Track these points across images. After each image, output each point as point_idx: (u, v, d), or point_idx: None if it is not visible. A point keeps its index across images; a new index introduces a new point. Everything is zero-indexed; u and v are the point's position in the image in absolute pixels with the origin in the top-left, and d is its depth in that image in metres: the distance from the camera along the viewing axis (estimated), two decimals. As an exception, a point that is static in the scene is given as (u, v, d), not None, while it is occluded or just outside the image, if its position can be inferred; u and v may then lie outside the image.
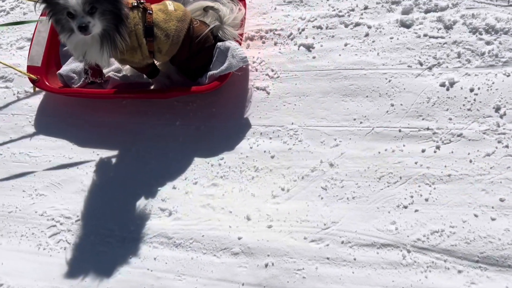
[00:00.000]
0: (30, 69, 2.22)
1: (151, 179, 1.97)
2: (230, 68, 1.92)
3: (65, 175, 2.06)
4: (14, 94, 2.35)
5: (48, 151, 2.16)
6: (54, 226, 1.95)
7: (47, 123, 2.23)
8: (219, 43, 1.97)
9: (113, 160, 2.05)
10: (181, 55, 1.95)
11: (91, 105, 2.20)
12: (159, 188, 1.94)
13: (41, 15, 2.29)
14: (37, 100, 2.30)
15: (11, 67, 2.30)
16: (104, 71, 2.19)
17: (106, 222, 1.90)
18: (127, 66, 2.15)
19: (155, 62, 2.01)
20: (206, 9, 1.99)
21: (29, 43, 2.31)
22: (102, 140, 2.11)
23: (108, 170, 2.03)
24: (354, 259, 1.63)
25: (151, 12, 1.83)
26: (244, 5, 2.08)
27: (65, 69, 2.24)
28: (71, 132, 2.17)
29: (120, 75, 2.19)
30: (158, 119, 2.11)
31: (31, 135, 2.23)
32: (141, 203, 1.92)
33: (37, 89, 2.29)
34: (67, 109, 2.23)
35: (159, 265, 1.78)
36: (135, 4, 1.81)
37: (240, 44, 2.01)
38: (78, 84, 2.20)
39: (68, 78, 2.21)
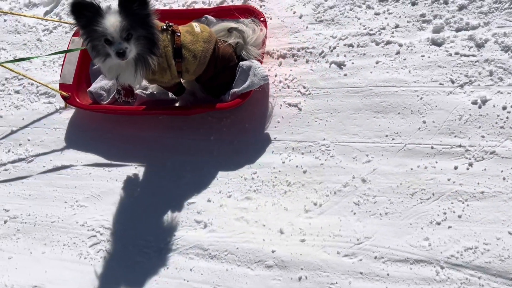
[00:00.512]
0: (62, 86, 2.34)
1: (187, 192, 2.04)
2: (251, 86, 1.99)
3: (104, 187, 2.15)
4: (56, 110, 2.47)
5: (87, 165, 2.25)
6: (94, 236, 2.03)
7: (87, 137, 2.33)
8: (241, 62, 2.05)
9: (150, 174, 2.13)
10: (206, 74, 2.04)
11: (129, 121, 2.30)
12: (194, 201, 2.01)
13: (73, 35, 2.43)
14: (78, 115, 2.40)
15: (45, 85, 2.42)
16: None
17: (143, 233, 1.98)
18: (154, 84, 2.25)
19: (182, 80, 2.09)
20: (230, 30, 2.08)
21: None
22: (139, 154, 2.19)
23: (145, 183, 2.11)
24: (388, 274, 1.65)
25: (179, 34, 1.92)
26: (265, 26, 2.16)
27: (94, 86, 2.34)
28: (110, 147, 2.26)
29: (147, 92, 2.29)
30: (193, 134, 2.18)
31: (72, 149, 2.33)
32: (177, 215, 1.99)
33: (67, 105, 2.40)
34: (106, 124, 2.33)
35: (195, 276, 1.84)
36: (164, 27, 1.90)
37: (261, 63, 2.09)
38: (107, 101, 2.31)
39: (97, 95, 2.31)
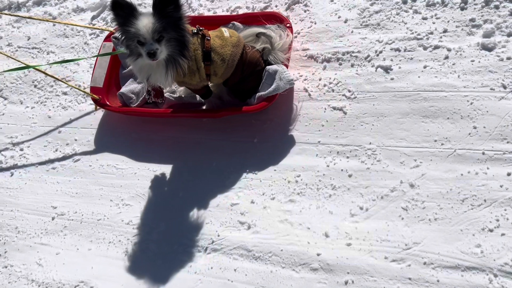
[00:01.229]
0: (93, 89, 2.42)
1: (231, 193, 2.05)
2: (277, 89, 2.02)
3: (149, 188, 2.19)
4: (102, 111, 2.53)
5: (133, 164, 2.30)
6: (139, 234, 2.06)
7: (132, 138, 2.38)
8: (268, 67, 2.08)
9: (195, 174, 2.15)
10: (234, 78, 2.07)
11: (175, 123, 2.34)
12: (238, 202, 2.02)
13: (104, 40, 2.50)
14: (123, 118, 2.46)
15: (76, 88, 2.50)
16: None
17: (188, 233, 2.00)
18: (182, 88, 2.31)
19: (209, 84, 2.13)
20: (258, 35, 2.12)
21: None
22: (185, 156, 2.22)
23: (190, 184, 2.13)
24: (438, 281, 1.62)
25: (209, 38, 1.96)
26: (291, 32, 2.19)
27: (124, 89, 2.40)
28: (155, 148, 2.30)
29: (175, 95, 2.34)
30: (237, 136, 2.20)
31: (117, 149, 2.38)
32: (222, 215, 2.00)
33: (97, 107, 2.48)
34: (151, 126, 2.37)
35: (239, 277, 1.84)
36: (195, 31, 1.94)
37: (287, 67, 2.11)
38: (136, 104, 2.36)
39: (127, 98, 2.37)
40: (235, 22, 2.31)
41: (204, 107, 2.29)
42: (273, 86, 2.02)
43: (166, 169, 2.22)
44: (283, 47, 2.13)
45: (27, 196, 2.37)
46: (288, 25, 2.21)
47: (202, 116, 2.29)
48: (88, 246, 2.12)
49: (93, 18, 2.90)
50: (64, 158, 2.44)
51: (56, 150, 2.49)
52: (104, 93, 2.41)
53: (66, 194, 2.31)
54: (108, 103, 2.39)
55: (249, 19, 2.31)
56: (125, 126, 2.43)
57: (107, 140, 2.43)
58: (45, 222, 2.25)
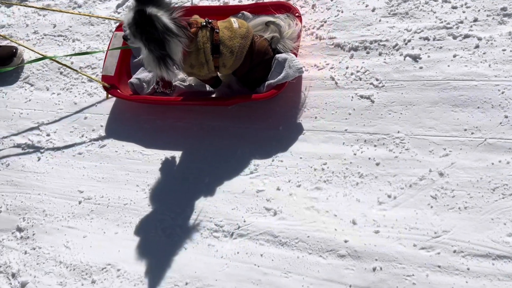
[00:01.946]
0: (104, 78, 2.45)
1: (257, 180, 2.06)
2: (286, 77, 2.03)
3: (175, 174, 2.21)
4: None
5: (158, 151, 2.31)
6: (166, 219, 2.08)
7: (157, 126, 2.40)
8: (277, 55, 2.10)
9: (220, 161, 2.16)
10: (243, 68, 2.09)
11: (198, 111, 2.35)
12: (263, 189, 2.03)
13: (116, 29, 2.52)
14: (149, 105, 2.47)
15: (87, 76, 2.54)
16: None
17: (214, 218, 2.01)
18: (191, 77, 2.33)
19: (218, 74, 2.15)
20: (268, 24, 2.13)
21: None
22: (210, 142, 2.24)
23: (216, 170, 2.15)
24: (468, 269, 1.61)
25: (217, 31, 1.97)
26: (300, 21, 2.20)
27: (135, 78, 2.43)
28: (181, 135, 2.31)
29: (185, 84, 2.37)
30: (261, 123, 2.20)
31: (143, 136, 2.40)
32: (247, 202, 2.01)
33: (109, 95, 2.52)
34: (175, 113, 2.39)
35: (265, 262, 1.85)
36: (204, 23, 1.95)
37: (296, 55, 2.12)
38: (147, 92, 2.40)
39: (138, 87, 2.40)
40: (244, 12, 2.31)
41: (213, 96, 2.32)
42: (282, 74, 2.04)
43: (191, 156, 2.23)
44: (292, 36, 2.14)
45: (54, 180, 2.41)
46: (297, 14, 2.21)
47: (212, 104, 2.32)
48: (115, 230, 2.14)
49: (118, 6, 2.92)
50: (90, 143, 2.47)
51: (82, 136, 2.51)
52: (115, 81, 2.45)
53: (93, 179, 2.34)
54: (119, 91, 2.42)
55: (258, 9, 2.31)
56: (150, 114, 2.45)
57: (132, 127, 2.45)
58: (72, 206, 2.28)
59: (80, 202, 2.28)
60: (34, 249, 2.21)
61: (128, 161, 2.33)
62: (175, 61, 1.91)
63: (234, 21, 2.05)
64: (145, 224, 2.11)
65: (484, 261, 1.60)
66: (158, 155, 2.29)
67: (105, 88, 2.44)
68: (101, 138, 2.47)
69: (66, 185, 2.36)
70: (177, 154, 2.26)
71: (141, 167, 2.28)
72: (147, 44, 1.85)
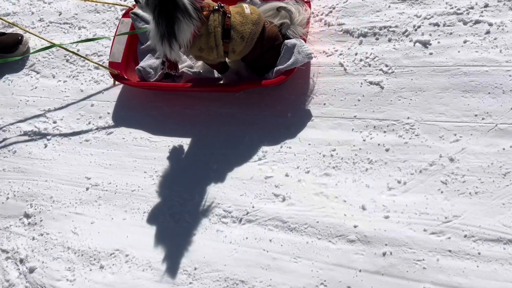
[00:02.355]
0: (111, 64, 2.44)
1: (265, 166, 2.06)
2: (295, 63, 2.02)
3: (183, 160, 2.20)
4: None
5: (166, 138, 2.31)
6: (174, 205, 2.08)
7: (165, 112, 2.39)
8: (286, 41, 2.09)
9: (228, 148, 2.16)
10: (253, 54, 2.07)
11: (207, 98, 2.34)
12: (272, 175, 2.02)
13: (123, 16, 2.51)
14: (154, 93, 2.47)
15: (95, 63, 2.53)
16: (179, 66, 2.35)
17: (222, 204, 2.01)
18: (200, 63, 2.34)
19: (226, 60, 2.14)
20: (279, 9, 2.12)
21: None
22: (218, 129, 2.23)
23: (224, 157, 2.14)
24: (479, 253, 1.61)
25: (229, 15, 1.95)
26: (309, 6, 2.20)
27: (143, 64, 2.42)
28: (188, 122, 2.31)
29: (193, 70, 2.36)
30: (270, 110, 2.20)
31: (150, 123, 2.39)
32: (256, 188, 2.01)
33: (116, 82, 2.51)
34: (183, 100, 2.38)
35: (274, 247, 1.85)
36: (216, 7, 1.93)
37: (305, 41, 2.12)
38: (154, 79, 2.38)
39: (145, 73, 2.39)
40: None
41: (221, 82, 2.30)
42: (291, 60, 2.03)
43: (199, 142, 2.23)
44: (302, 22, 2.13)
45: (61, 167, 2.40)
46: (306, 0, 2.21)
47: (220, 91, 2.31)
48: (123, 216, 2.14)
49: (124, -7, 2.90)
50: (97, 130, 2.47)
51: (89, 123, 2.51)
52: (122, 68, 2.44)
53: (100, 166, 2.33)
54: (126, 77, 2.42)
55: None
56: (158, 101, 2.44)
57: (140, 114, 2.44)
58: (80, 192, 2.28)
59: (87, 189, 2.28)
60: (42, 235, 2.20)
61: (136, 148, 2.33)
62: (179, 42, 1.89)
63: (246, 7, 2.03)
64: (153, 210, 2.11)
65: (495, 246, 1.60)
66: (166, 142, 2.29)
67: (112, 75, 2.43)
68: (108, 125, 2.46)
69: (73, 172, 2.35)
70: (185, 141, 2.26)
71: (148, 153, 2.28)
72: (157, 17, 1.82)
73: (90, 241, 2.11)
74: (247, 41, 2.00)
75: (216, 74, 2.31)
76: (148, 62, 2.43)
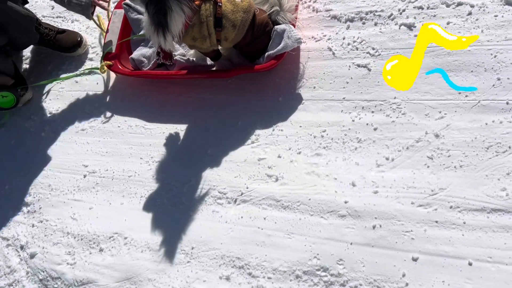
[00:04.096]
0: (106, 55, 2.49)
1: (258, 149, 2.11)
2: (285, 48, 2.10)
3: (178, 145, 2.26)
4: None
5: (161, 125, 2.36)
6: (171, 189, 2.14)
7: (159, 100, 2.44)
8: (276, 26, 2.15)
9: (222, 133, 2.21)
10: (244, 41, 2.13)
11: (199, 85, 2.39)
12: (265, 157, 2.08)
13: (115, 7, 2.56)
14: (147, 81, 2.52)
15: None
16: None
17: (218, 186, 2.07)
18: (192, 51, 2.39)
19: (219, 47, 2.20)
20: None
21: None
22: (211, 115, 2.28)
23: (218, 141, 2.20)
24: (464, 223, 1.68)
25: (220, 4, 2.01)
26: None
27: (136, 54, 2.48)
28: (182, 109, 2.36)
29: (186, 58, 2.42)
30: (261, 95, 2.25)
31: (145, 110, 2.44)
32: (249, 169, 2.07)
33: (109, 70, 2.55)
34: (178, 88, 2.43)
35: (269, 224, 1.91)
36: None
37: (294, 26, 2.19)
38: (148, 67, 2.45)
39: (138, 62, 2.46)
40: None
41: (214, 68, 2.37)
42: (281, 45, 2.10)
43: (194, 128, 2.28)
44: (290, 8, 2.19)
45: (58, 156, 2.45)
46: None
47: (213, 77, 2.36)
48: (121, 201, 2.19)
49: (116, -14, 2.94)
50: (93, 120, 2.52)
51: (85, 113, 2.55)
52: (116, 58, 2.49)
53: (97, 154, 2.38)
54: (120, 67, 2.47)
55: None
56: (152, 89, 2.49)
57: (134, 102, 2.49)
58: (77, 179, 2.33)
59: (85, 176, 2.33)
60: (41, 222, 2.25)
61: (131, 135, 2.38)
62: (172, 33, 1.94)
63: None
64: (150, 194, 2.16)
65: (480, 215, 1.67)
66: (161, 129, 2.34)
67: (108, 66, 2.47)
68: (103, 114, 2.51)
69: (71, 160, 2.40)
70: (180, 127, 2.31)
71: (144, 140, 2.33)
72: (149, 7, 1.87)
73: (89, 226, 2.16)
74: (238, 29, 2.06)
75: (208, 61, 2.37)
76: (142, 51, 2.49)
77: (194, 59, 2.40)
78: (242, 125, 2.21)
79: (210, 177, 2.11)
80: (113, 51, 2.50)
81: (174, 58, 2.40)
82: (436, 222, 1.71)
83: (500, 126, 1.80)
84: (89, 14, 2.43)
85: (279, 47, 2.10)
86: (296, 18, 2.23)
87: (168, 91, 2.44)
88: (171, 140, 2.28)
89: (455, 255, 1.64)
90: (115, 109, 2.51)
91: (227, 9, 2.03)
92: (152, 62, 2.44)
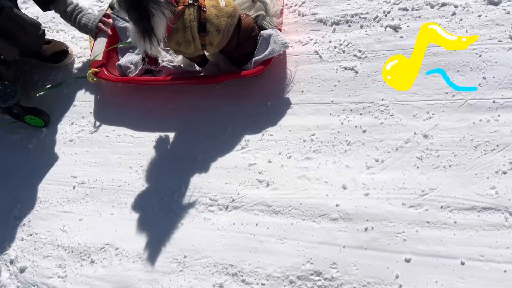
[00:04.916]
0: (94, 63, 2.47)
1: (248, 154, 2.11)
2: (272, 53, 2.09)
3: (167, 153, 2.24)
4: (117, 85, 2.57)
5: (149, 133, 2.35)
6: (161, 198, 2.12)
7: (146, 108, 2.43)
8: (262, 31, 2.15)
9: (211, 139, 2.20)
10: (230, 46, 2.13)
11: (187, 91, 2.38)
12: (255, 162, 2.07)
13: (103, 16, 2.55)
14: (134, 89, 2.50)
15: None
16: (159, 61, 2.38)
17: (208, 193, 2.05)
18: (180, 57, 2.38)
19: (205, 53, 2.20)
20: (254, 1, 2.18)
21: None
22: (200, 122, 2.27)
23: (207, 148, 2.18)
24: (455, 222, 1.68)
25: (204, 9, 2.01)
26: None
27: (123, 60, 2.48)
28: (170, 116, 2.35)
29: (173, 64, 2.41)
30: (250, 100, 2.25)
31: (132, 119, 2.43)
32: (240, 175, 2.06)
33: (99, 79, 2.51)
34: (164, 95, 2.42)
35: (261, 230, 1.90)
36: (191, 2, 1.98)
37: (280, 31, 2.19)
38: (135, 73, 2.44)
39: (125, 68, 2.45)
40: None
41: (201, 75, 2.36)
42: (268, 50, 2.10)
43: (182, 135, 2.27)
44: (276, 12, 2.20)
45: (46, 168, 2.42)
46: None
47: (201, 83, 2.35)
48: (111, 211, 2.17)
49: (100, -4, 2.93)
50: (80, 130, 2.49)
51: (72, 124, 2.53)
52: (105, 66, 2.48)
53: (85, 164, 2.36)
54: (106, 73, 2.44)
55: None
56: (139, 97, 2.48)
57: (121, 111, 2.47)
58: (66, 191, 2.31)
59: (74, 187, 2.30)
60: (31, 235, 2.22)
61: (120, 144, 2.36)
62: (157, 37, 1.93)
63: (221, 0, 2.08)
64: (140, 203, 2.14)
65: (470, 214, 1.68)
66: (149, 137, 2.32)
67: (94, 73, 2.44)
68: (91, 124, 2.49)
69: (59, 172, 2.38)
70: (168, 135, 2.30)
71: (133, 149, 2.31)
72: (132, 15, 1.87)
73: (80, 238, 2.14)
74: (223, 34, 2.05)
75: (196, 67, 2.36)
76: (129, 58, 2.48)
77: (182, 65, 2.39)
78: (231, 130, 2.20)
79: (201, 184, 2.09)
80: (101, 58, 2.48)
81: (161, 64, 2.39)
82: (428, 222, 1.71)
83: (487, 124, 1.81)
84: (93, 35, 2.55)
85: (266, 52, 2.10)
86: (281, 22, 2.23)
87: (156, 99, 2.42)
88: (160, 148, 2.27)
89: (447, 255, 1.64)
90: (103, 118, 2.49)
91: (211, 14, 2.03)
92: (139, 68, 2.43)
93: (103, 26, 2.53)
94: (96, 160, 2.35)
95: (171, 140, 2.27)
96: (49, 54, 2.68)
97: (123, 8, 1.88)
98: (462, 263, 1.61)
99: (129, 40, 2.46)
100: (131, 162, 2.28)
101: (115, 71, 2.48)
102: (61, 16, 2.53)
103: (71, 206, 2.25)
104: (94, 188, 2.27)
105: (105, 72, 2.44)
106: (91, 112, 2.53)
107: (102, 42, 2.53)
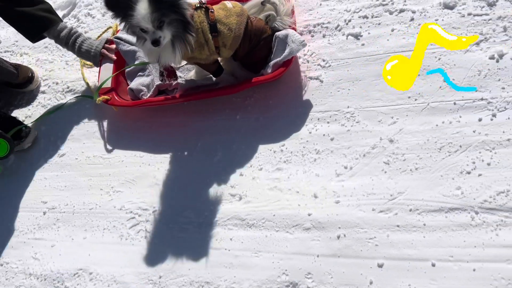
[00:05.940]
0: (102, 90, 2.39)
1: (219, 169, 2.11)
2: (292, 52, 2.04)
3: (138, 172, 2.23)
4: (82, 105, 2.55)
5: (119, 152, 2.33)
6: (133, 218, 2.10)
7: (117, 127, 2.41)
8: (277, 33, 2.10)
9: (181, 156, 2.20)
10: (243, 49, 2.08)
11: (156, 110, 2.37)
12: (227, 176, 2.07)
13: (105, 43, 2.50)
14: (104, 109, 2.48)
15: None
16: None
17: (182, 211, 2.04)
18: (193, 72, 2.31)
19: (219, 59, 2.16)
20: (263, 3, 2.14)
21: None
22: (169, 139, 2.26)
23: (178, 164, 2.18)
24: (424, 225, 1.71)
25: (212, 10, 2.00)
26: None
27: (134, 83, 2.39)
28: (140, 135, 2.33)
29: (187, 79, 2.33)
30: (219, 115, 2.25)
31: (102, 140, 2.40)
32: (212, 190, 2.05)
33: (101, 102, 2.41)
34: (136, 114, 2.40)
35: (235, 245, 1.90)
36: (198, 5, 1.98)
37: (295, 30, 2.14)
38: (148, 95, 2.35)
39: (137, 92, 2.36)
40: None
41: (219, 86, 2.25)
42: (287, 50, 2.04)
43: (153, 154, 2.26)
44: (287, 12, 2.15)
45: (16, 195, 2.38)
46: None
47: (221, 94, 2.22)
48: (83, 235, 2.14)
49: (63, 16, 2.91)
50: (49, 154, 2.45)
51: (40, 148, 2.49)
52: (114, 92, 2.38)
53: (55, 189, 2.32)
54: (117, 99, 2.35)
55: None
56: (110, 117, 2.45)
57: (91, 132, 2.45)
58: (37, 217, 2.26)
59: (44, 213, 2.26)
60: (1, 265, 2.17)
61: (89, 166, 2.33)
62: (192, 34, 1.88)
63: (228, 3, 2.06)
64: (113, 225, 2.12)
65: (438, 215, 1.71)
66: (119, 157, 2.30)
67: (105, 101, 2.34)
68: (59, 147, 2.45)
69: (29, 198, 2.33)
70: (138, 154, 2.28)
71: (103, 170, 2.29)
72: (169, 27, 1.81)
73: (52, 264, 2.10)
74: (235, 32, 2.00)
75: (211, 79, 2.26)
76: (139, 80, 2.40)
77: (195, 78, 2.30)
78: (201, 146, 2.20)
79: (173, 202, 2.08)
80: (109, 85, 2.39)
81: (174, 82, 2.33)
82: (398, 226, 1.74)
83: (450, 126, 1.85)
84: (97, 62, 2.48)
85: (285, 53, 2.05)
86: (295, 21, 2.18)
87: (126, 118, 2.41)
88: (130, 168, 2.25)
89: (418, 257, 1.66)
90: (71, 141, 2.46)
91: (220, 15, 2.00)
92: (152, 89, 2.34)
93: (107, 52, 2.46)
94: (66, 183, 2.32)
95: (141, 159, 2.25)
96: (15, 82, 2.64)
97: (167, 31, 1.82)
98: (433, 265, 1.64)
99: (137, 62, 2.41)
100: (102, 184, 2.25)
101: (126, 95, 2.40)
102: (55, 42, 2.43)
103: (43, 232, 2.21)
104: (65, 213, 2.23)
105: (116, 98, 2.34)
106: (59, 135, 2.49)
107: (108, 68, 2.45)
